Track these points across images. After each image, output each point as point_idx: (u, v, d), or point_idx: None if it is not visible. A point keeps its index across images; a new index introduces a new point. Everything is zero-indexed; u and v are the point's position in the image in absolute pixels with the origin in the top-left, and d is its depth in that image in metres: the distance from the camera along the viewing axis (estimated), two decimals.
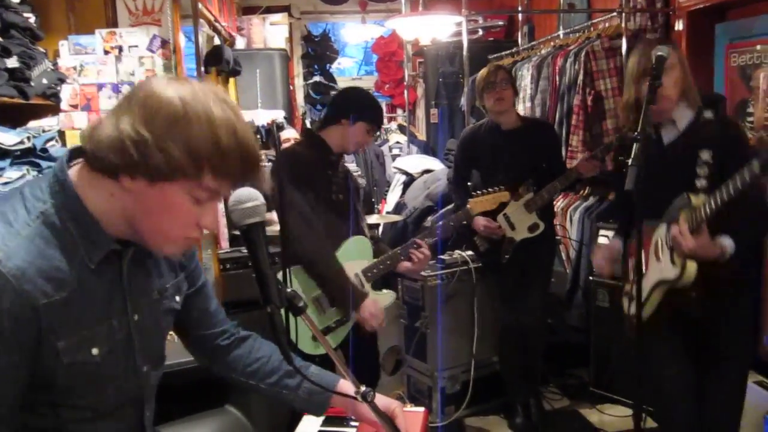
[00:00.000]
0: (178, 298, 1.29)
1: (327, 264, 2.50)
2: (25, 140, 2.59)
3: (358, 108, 2.63)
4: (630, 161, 1.92)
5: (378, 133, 2.73)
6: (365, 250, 2.67)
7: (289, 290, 1.13)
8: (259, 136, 4.80)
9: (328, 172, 2.63)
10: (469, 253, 3.63)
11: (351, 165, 5.85)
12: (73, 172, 1.08)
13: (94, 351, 1.08)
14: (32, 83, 2.79)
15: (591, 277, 3.73)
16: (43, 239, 1.02)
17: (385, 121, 7.84)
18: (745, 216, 2.09)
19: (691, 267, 2.07)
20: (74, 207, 1.05)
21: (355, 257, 2.62)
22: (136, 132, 0.99)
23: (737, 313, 2.25)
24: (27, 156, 2.58)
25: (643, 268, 2.27)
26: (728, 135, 2.22)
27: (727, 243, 2.06)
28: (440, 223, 2.70)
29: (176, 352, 2.16)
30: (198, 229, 1.09)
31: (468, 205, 2.79)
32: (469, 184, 3.63)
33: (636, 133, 1.95)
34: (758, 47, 3.31)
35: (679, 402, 2.29)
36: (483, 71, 3.39)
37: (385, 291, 2.72)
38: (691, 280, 2.09)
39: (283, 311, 1.17)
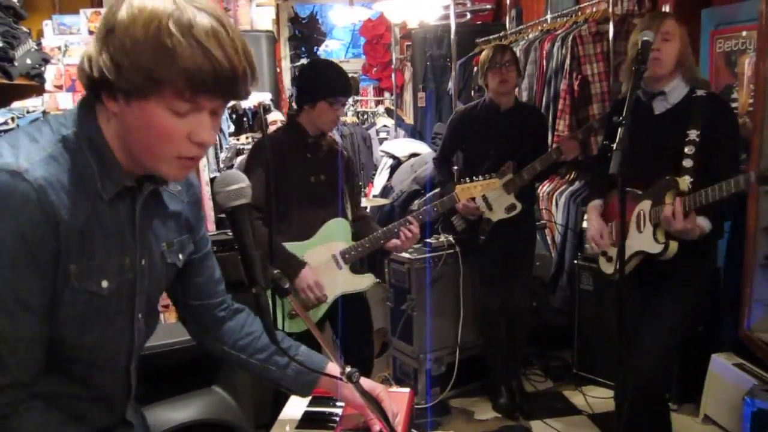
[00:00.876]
0: (181, 257, 1.28)
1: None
2: (9, 121, 2.57)
3: (310, 91, 2.59)
4: (615, 146, 1.94)
5: (348, 98, 2.66)
6: (343, 232, 2.68)
7: (275, 272, 1.14)
8: (245, 119, 4.77)
9: (307, 155, 2.63)
10: (451, 235, 3.65)
11: None
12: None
13: (104, 284, 1.07)
14: (16, 63, 2.76)
15: (576, 261, 3.77)
16: (64, 159, 1.02)
17: (372, 104, 7.83)
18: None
19: (674, 245, 2.29)
20: (94, 136, 1.05)
21: (332, 239, 2.64)
22: (90, 50, 1.01)
23: (691, 266, 2.41)
24: None
25: (607, 237, 2.52)
26: (717, 114, 2.34)
27: (705, 224, 2.24)
28: (426, 207, 2.71)
29: (162, 333, 2.17)
30: (191, 145, 1.05)
31: (454, 191, 2.79)
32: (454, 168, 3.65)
33: (621, 118, 1.97)
34: (743, 33, 3.33)
35: (632, 342, 2.43)
36: (488, 50, 3.41)
37: (364, 274, 2.73)
38: (672, 256, 2.30)
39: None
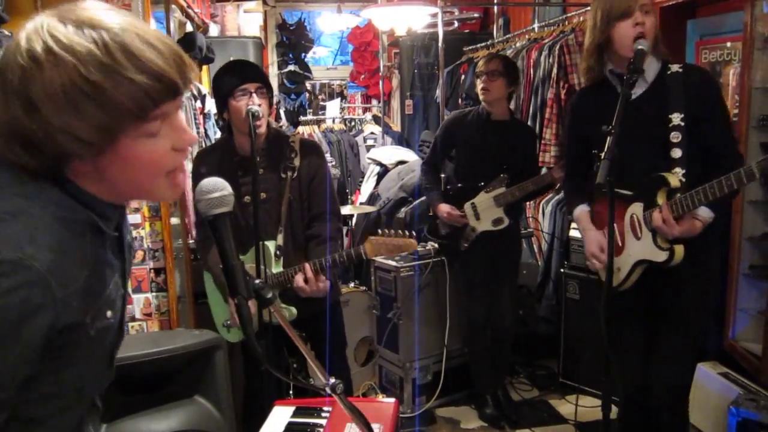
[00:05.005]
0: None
1: (204, 258, 2.59)
2: None
3: (219, 98, 2.44)
4: (602, 155, 1.92)
5: (253, 82, 2.37)
6: (266, 257, 2.43)
7: (257, 281, 1.11)
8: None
9: (238, 173, 2.45)
10: (434, 237, 3.64)
11: (325, 155, 5.81)
12: None
13: (109, 314, 1.03)
14: None
15: (562, 270, 3.77)
16: (58, 221, 0.94)
17: (359, 111, 7.82)
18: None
19: (680, 249, 2.11)
20: (75, 193, 0.98)
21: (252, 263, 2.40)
22: (28, 117, 0.90)
23: (701, 278, 2.26)
24: None
25: (618, 241, 2.25)
26: (697, 85, 2.16)
27: (705, 214, 2.07)
28: (327, 256, 2.37)
29: (145, 343, 2.15)
30: (176, 154, 1.01)
31: (364, 244, 2.36)
32: (441, 176, 3.64)
33: (610, 127, 1.95)
34: (728, 44, 3.35)
35: (627, 351, 2.34)
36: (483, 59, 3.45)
37: (285, 306, 2.48)
38: (681, 260, 2.12)
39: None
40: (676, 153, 2.13)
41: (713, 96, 2.20)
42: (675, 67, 2.20)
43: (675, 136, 2.13)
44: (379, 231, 2.35)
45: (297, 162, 2.52)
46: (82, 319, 0.97)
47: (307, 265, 2.35)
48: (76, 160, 0.95)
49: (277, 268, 2.46)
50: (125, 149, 0.95)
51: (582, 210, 2.47)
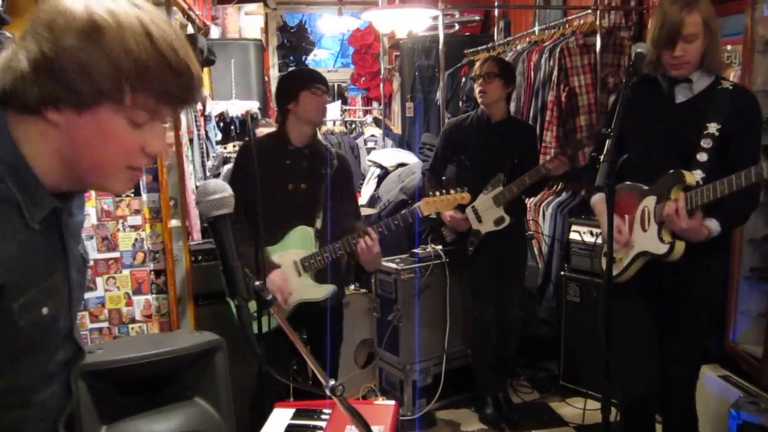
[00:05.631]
0: (86, 252, 1.23)
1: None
2: None
3: (291, 87, 2.70)
4: (602, 157, 1.93)
5: (326, 89, 2.73)
6: (304, 239, 2.68)
7: (257, 283, 1.12)
8: (233, 127, 4.76)
9: (287, 162, 2.70)
10: (441, 246, 3.65)
11: None
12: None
13: (44, 310, 1.00)
14: None
15: (563, 272, 3.77)
16: None
17: (360, 113, 7.83)
18: (735, 201, 2.09)
19: (680, 246, 2.15)
20: (14, 161, 0.95)
21: (294, 246, 2.66)
22: (41, 55, 0.91)
23: (707, 280, 2.28)
24: None
25: (626, 232, 2.30)
26: (741, 106, 2.19)
27: (713, 226, 2.12)
28: (386, 219, 2.66)
29: (145, 345, 2.15)
30: (143, 156, 1.01)
31: (419, 203, 2.67)
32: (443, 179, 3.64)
33: (609, 130, 1.96)
34: (728, 47, 3.35)
35: (635, 354, 2.34)
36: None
37: (324, 285, 2.69)
38: (678, 258, 2.15)
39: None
40: (702, 157, 2.17)
41: (753, 120, 2.22)
42: (726, 84, 2.24)
43: (706, 142, 2.17)
44: (430, 192, 2.65)
45: (336, 163, 2.81)
46: (8, 296, 0.93)
47: (370, 229, 2.60)
48: (53, 108, 0.94)
49: (315, 250, 2.67)
50: (105, 119, 0.95)
51: (600, 195, 2.46)
